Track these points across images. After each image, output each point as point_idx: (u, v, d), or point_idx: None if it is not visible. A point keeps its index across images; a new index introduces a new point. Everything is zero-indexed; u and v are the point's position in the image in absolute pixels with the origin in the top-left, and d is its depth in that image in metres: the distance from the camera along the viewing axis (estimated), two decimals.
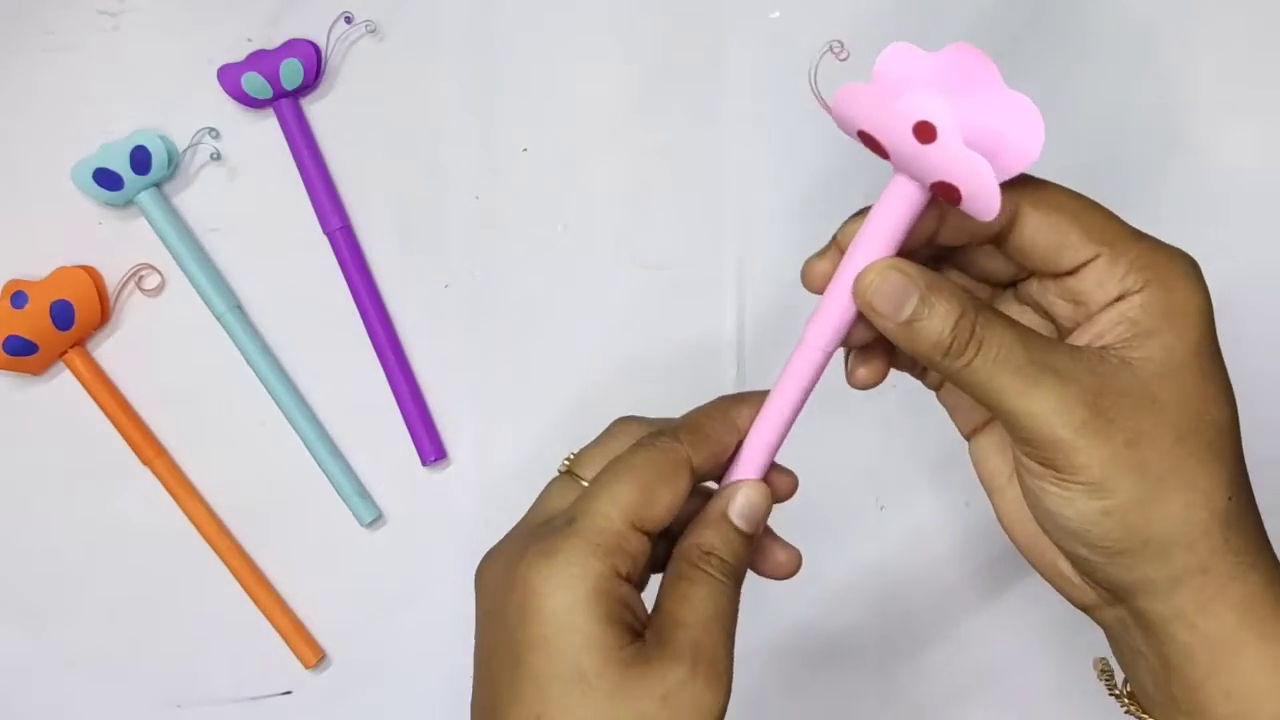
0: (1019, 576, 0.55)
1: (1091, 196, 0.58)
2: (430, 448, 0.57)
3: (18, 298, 0.55)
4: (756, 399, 0.38)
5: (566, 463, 0.39)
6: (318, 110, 0.58)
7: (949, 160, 0.32)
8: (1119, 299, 0.34)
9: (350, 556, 0.57)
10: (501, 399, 0.57)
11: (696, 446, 0.37)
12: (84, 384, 0.57)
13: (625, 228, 0.58)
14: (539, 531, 0.36)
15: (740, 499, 0.37)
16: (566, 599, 0.34)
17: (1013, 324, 0.34)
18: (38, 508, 0.57)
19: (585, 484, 0.37)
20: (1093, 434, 0.33)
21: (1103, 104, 0.57)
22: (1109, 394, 0.33)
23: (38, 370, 0.57)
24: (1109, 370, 0.33)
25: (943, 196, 0.33)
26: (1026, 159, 0.33)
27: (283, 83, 0.56)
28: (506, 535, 0.38)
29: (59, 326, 0.56)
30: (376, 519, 0.57)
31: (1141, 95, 0.57)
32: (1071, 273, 0.35)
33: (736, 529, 0.37)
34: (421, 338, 0.57)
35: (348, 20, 0.57)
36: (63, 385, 0.57)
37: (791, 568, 0.40)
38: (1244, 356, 0.56)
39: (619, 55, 0.58)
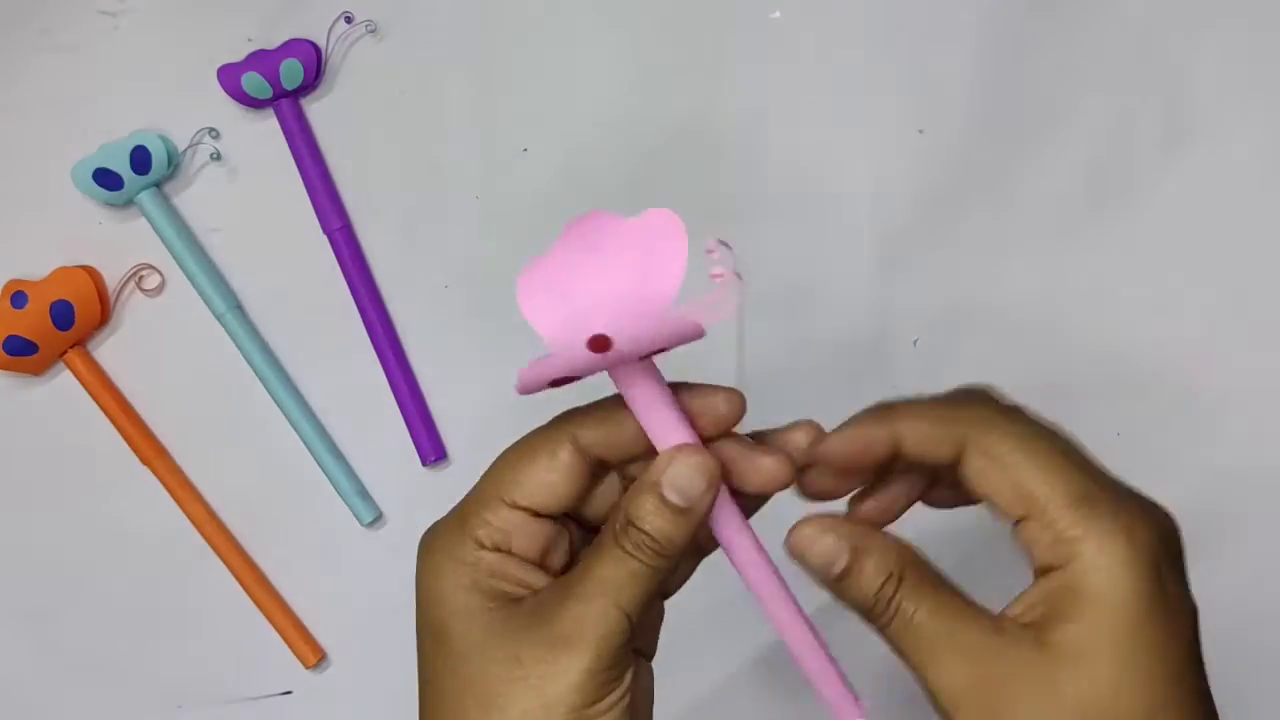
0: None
1: (1090, 203, 0.58)
2: (430, 448, 0.56)
3: (18, 298, 0.55)
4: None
5: None
6: (318, 110, 0.58)
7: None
8: (1048, 569, 0.33)
9: (350, 556, 0.57)
10: (501, 399, 0.57)
11: (587, 422, 0.35)
12: (84, 384, 0.57)
13: None
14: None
15: (675, 469, 0.34)
16: (429, 569, 0.36)
17: (935, 591, 0.34)
18: (38, 508, 0.57)
19: None
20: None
21: (1103, 101, 0.57)
22: (1008, 681, 0.32)
23: (38, 370, 0.57)
24: (1019, 653, 0.32)
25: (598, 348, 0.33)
26: (671, 281, 0.33)
27: (283, 83, 0.56)
28: None
29: (59, 326, 0.56)
30: (376, 519, 0.57)
31: (1143, 92, 0.57)
32: (1015, 523, 0.34)
33: (666, 501, 0.34)
34: (421, 338, 0.57)
35: (348, 20, 0.57)
36: (63, 385, 0.57)
37: (781, 478, 0.35)
38: (1247, 351, 0.56)
39: (619, 55, 0.58)
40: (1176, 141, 0.57)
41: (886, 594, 0.34)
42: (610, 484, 0.37)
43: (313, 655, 0.56)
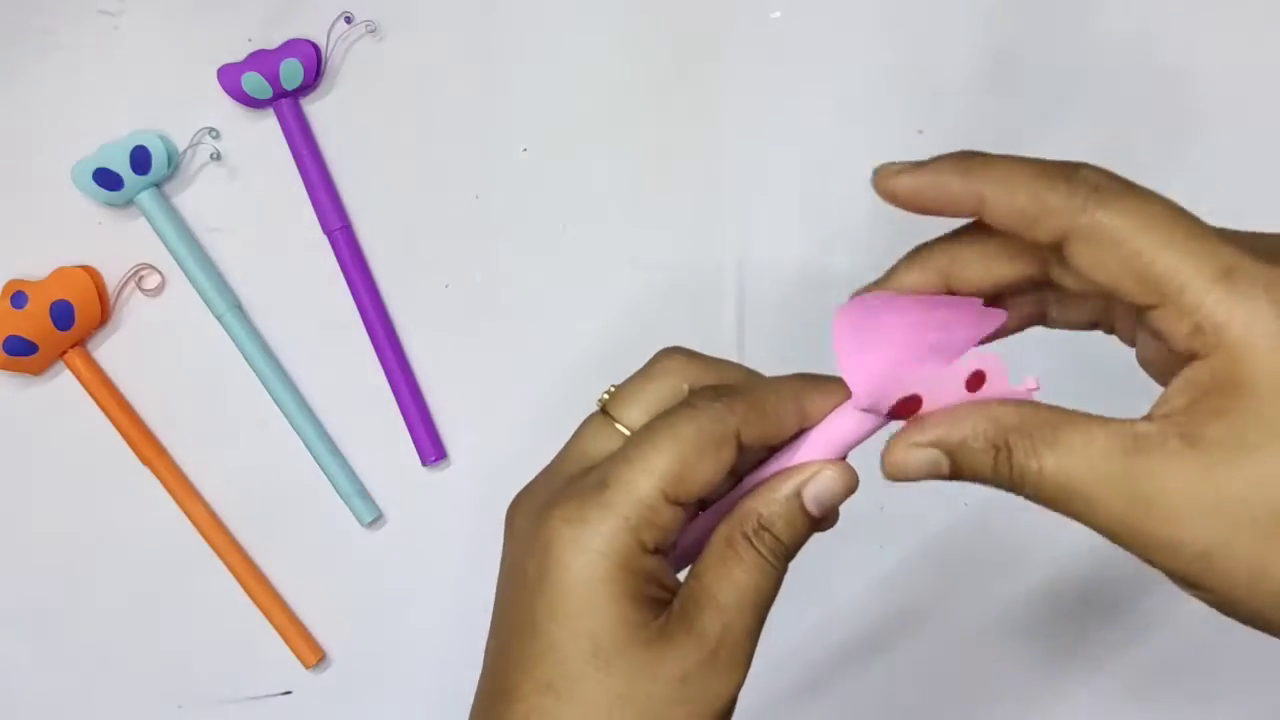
0: (1021, 575, 0.55)
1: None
2: (430, 448, 0.57)
3: (18, 298, 0.55)
4: (835, 387, 0.35)
5: (605, 397, 0.37)
6: (318, 110, 0.58)
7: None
8: (1192, 357, 0.29)
9: (350, 556, 0.57)
10: (501, 399, 0.57)
11: (750, 421, 0.34)
12: (84, 384, 0.57)
13: (625, 228, 0.58)
14: (569, 489, 0.34)
15: (822, 480, 0.34)
16: (590, 574, 0.33)
17: (1051, 435, 0.31)
18: (38, 508, 0.57)
19: (624, 431, 0.35)
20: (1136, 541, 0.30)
21: (1103, 101, 0.57)
22: (1161, 494, 0.29)
23: (38, 370, 0.57)
24: (1166, 458, 0.29)
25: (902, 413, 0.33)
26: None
27: (283, 83, 0.56)
28: (538, 477, 0.37)
29: (59, 326, 0.56)
30: (376, 519, 0.57)
31: (1143, 92, 0.57)
32: (1145, 310, 0.30)
33: (805, 511, 0.34)
34: (421, 338, 0.57)
35: (348, 20, 0.57)
36: (63, 385, 0.57)
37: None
38: None
39: (619, 55, 0.58)
40: (1176, 141, 0.57)
41: (1003, 469, 0.31)
42: None
43: (313, 655, 0.56)
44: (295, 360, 0.58)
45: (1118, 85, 0.57)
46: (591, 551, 0.33)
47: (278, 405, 0.57)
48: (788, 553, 0.35)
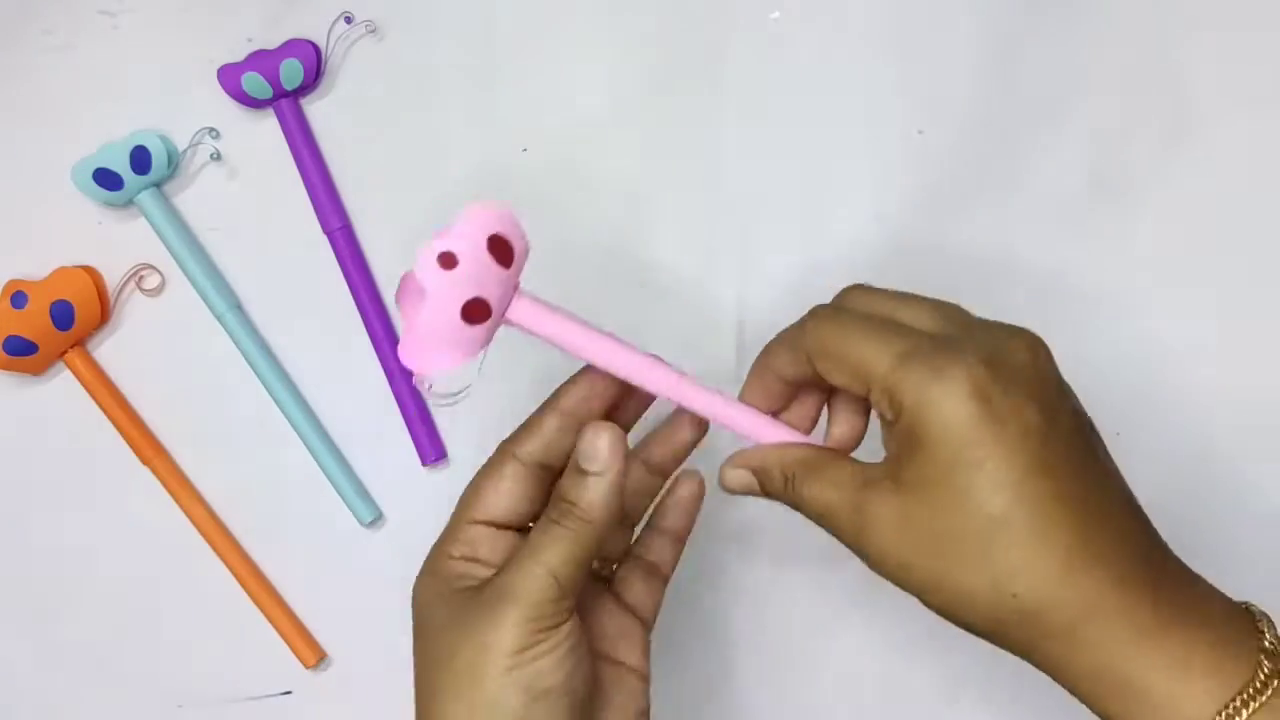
0: None
1: (1090, 203, 0.58)
2: (430, 448, 0.57)
3: (18, 298, 0.55)
4: (580, 377, 0.44)
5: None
6: (318, 110, 0.58)
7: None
8: (893, 424, 0.38)
9: (350, 556, 0.57)
10: (501, 399, 0.57)
11: (520, 438, 0.44)
12: (84, 384, 0.57)
13: (625, 228, 0.58)
14: None
15: (584, 439, 0.41)
16: (417, 585, 0.43)
17: (821, 470, 0.40)
18: (38, 508, 0.57)
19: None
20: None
21: (1103, 101, 0.57)
22: (871, 506, 0.38)
23: (38, 370, 0.57)
24: (879, 486, 0.38)
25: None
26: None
27: (283, 83, 0.56)
28: None
29: (59, 326, 0.56)
30: (376, 519, 0.57)
31: (1143, 92, 0.57)
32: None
33: (581, 470, 0.41)
34: None
35: (348, 20, 0.57)
36: (63, 385, 0.57)
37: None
38: (1247, 351, 0.56)
39: (619, 55, 0.58)
40: (1176, 141, 0.57)
41: (790, 492, 0.41)
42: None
43: (313, 655, 0.56)
44: (295, 360, 0.58)
45: (1118, 85, 0.57)
46: (420, 571, 0.44)
47: (278, 405, 0.57)
48: (580, 511, 0.41)
